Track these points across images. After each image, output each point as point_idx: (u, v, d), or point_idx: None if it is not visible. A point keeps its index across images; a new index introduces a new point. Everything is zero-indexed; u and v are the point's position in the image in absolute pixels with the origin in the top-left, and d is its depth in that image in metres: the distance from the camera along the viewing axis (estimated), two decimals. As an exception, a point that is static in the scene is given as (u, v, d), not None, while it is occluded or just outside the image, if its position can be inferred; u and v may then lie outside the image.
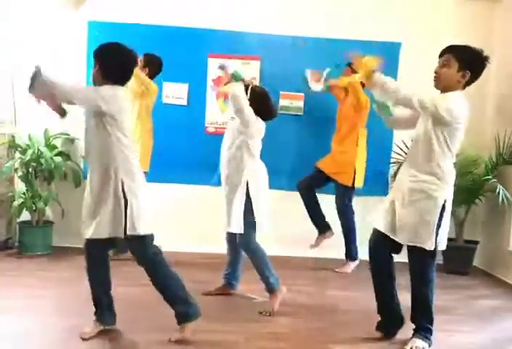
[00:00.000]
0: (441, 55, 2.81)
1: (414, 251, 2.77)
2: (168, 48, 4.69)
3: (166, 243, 4.41)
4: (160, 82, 4.67)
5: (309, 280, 4.09)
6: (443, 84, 2.78)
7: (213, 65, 4.76)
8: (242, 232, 3.24)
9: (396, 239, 2.79)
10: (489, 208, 4.79)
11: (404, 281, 2.92)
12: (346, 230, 4.39)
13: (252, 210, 3.24)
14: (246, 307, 3.37)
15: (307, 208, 4.37)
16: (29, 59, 4.59)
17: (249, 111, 3.21)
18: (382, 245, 2.88)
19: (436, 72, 2.79)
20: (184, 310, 2.73)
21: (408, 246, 2.81)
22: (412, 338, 2.83)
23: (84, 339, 2.67)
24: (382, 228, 2.85)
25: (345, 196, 4.37)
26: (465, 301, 3.75)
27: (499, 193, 4.30)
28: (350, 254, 4.39)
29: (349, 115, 4.29)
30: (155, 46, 4.66)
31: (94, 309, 2.78)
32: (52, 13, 4.63)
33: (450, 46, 2.82)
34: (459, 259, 4.47)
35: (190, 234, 4.67)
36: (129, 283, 3.37)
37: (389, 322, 2.95)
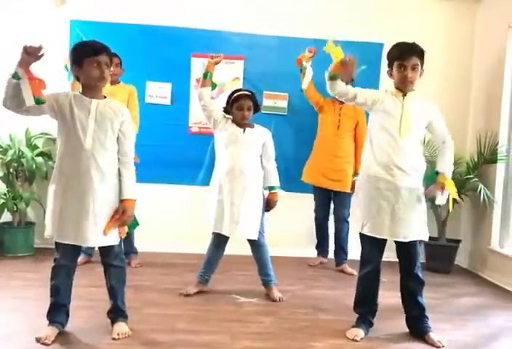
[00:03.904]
0: (405, 57, 2.78)
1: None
2: (151, 47, 4.69)
3: (148, 243, 4.45)
4: (143, 82, 4.66)
5: (293, 279, 4.10)
6: (412, 88, 2.85)
7: (196, 65, 4.76)
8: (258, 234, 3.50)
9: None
10: (471, 207, 4.85)
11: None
12: (345, 235, 4.42)
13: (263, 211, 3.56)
14: (230, 307, 3.36)
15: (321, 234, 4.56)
16: (10, 58, 4.55)
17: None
18: None
19: (408, 77, 2.78)
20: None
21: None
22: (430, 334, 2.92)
23: (47, 345, 2.59)
24: None
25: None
26: (446, 299, 3.79)
27: (480, 192, 4.35)
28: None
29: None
30: (138, 45, 4.65)
31: (49, 313, 2.71)
32: (34, 11, 4.60)
33: (416, 49, 2.82)
34: (441, 257, 4.51)
35: (174, 234, 4.66)
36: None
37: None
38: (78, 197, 2.57)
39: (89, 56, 2.55)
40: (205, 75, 3.45)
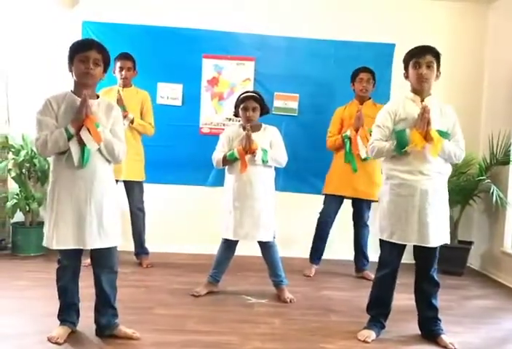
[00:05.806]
0: (420, 55, 2.77)
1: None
2: (162, 48, 4.71)
3: (159, 244, 4.47)
4: (154, 83, 4.68)
5: (303, 280, 4.09)
6: (429, 87, 2.83)
7: (208, 66, 4.78)
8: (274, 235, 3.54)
9: None
10: (483, 208, 4.81)
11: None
12: (366, 240, 4.29)
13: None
14: (240, 307, 3.36)
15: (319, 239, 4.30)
16: (23, 59, 4.60)
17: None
18: None
19: (423, 74, 2.76)
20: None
21: None
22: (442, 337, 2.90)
23: (59, 344, 2.60)
24: None
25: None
26: (458, 301, 3.76)
27: (493, 193, 4.31)
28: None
29: None
30: (149, 46, 4.67)
31: (60, 313, 2.73)
32: (46, 13, 4.64)
33: (430, 48, 2.81)
34: (453, 259, 4.47)
35: (185, 235, 4.67)
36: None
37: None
38: (76, 200, 2.52)
39: (78, 52, 2.53)
40: (233, 159, 3.43)
